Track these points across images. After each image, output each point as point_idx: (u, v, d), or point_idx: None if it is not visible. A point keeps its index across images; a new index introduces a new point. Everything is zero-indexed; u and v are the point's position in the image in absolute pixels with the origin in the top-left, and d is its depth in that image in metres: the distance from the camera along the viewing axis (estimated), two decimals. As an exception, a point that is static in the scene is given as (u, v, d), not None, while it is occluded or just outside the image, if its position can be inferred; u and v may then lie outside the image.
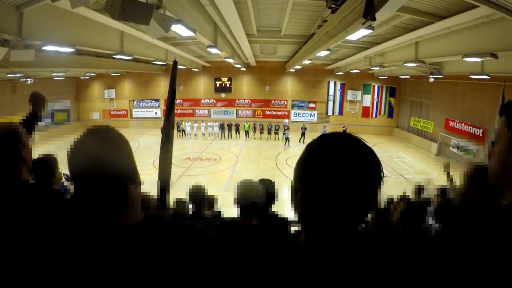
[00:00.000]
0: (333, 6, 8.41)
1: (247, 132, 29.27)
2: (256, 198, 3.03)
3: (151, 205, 3.45)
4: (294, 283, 0.99)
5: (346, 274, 0.98)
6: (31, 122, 2.83)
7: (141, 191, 1.40)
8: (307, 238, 1.06)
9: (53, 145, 22.24)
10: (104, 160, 1.23)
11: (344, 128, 27.69)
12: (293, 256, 1.07)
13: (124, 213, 1.30)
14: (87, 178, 1.25)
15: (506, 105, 1.26)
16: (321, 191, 0.97)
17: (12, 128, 1.75)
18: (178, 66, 21.42)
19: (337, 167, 0.95)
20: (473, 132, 20.88)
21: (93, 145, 1.26)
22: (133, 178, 1.34)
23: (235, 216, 3.18)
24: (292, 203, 1.08)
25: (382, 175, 0.99)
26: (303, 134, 27.36)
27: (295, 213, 1.08)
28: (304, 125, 28.55)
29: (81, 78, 31.61)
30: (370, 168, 0.98)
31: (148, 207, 3.42)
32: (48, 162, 3.19)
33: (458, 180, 3.66)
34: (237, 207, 3.03)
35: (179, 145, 24.57)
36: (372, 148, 1.01)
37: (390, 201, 5.89)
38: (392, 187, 9.76)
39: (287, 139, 26.23)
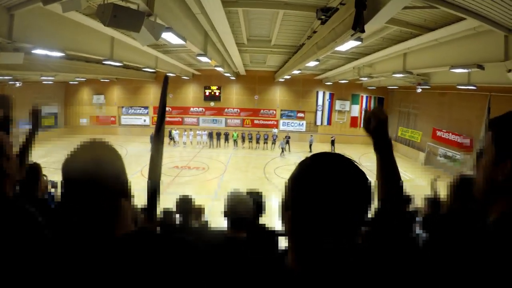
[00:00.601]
0: (322, 17, 8.51)
1: (235, 141, 29.23)
2: (245, 213, 3.03)
3: (138, 217, 3.41)
4: None
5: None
6: (5, 126, 2.71)
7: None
8: (295, 258, 1.05)
9: (41, 149, 21.95)
10: (97, 173, 1.25)
11: (333, 139, 27.76)
12: (280, 276, 1.06)
13: (115, 225, 1.30)
14: (80, 190, 1.25)
15: (492, 121, 1.28)
16: (312, 211, 0.96)
17: None
18: (168, 74, 21.33)
19: (329, 187, 0.95)
20: (460, 141, 21.15)
21: (88, 158, 1.28)
22: (124, 191, 1.35)
23: (223, 226, 3.17)
24: (281, 219, 1.07)
25: (372, 196, 0.99)
26: (287, 142, 27.43)
27: (284, 229, 1.07)
28: (287, 135, 28.72)
29: (70, 83, 31.36)
30: (361, 190, 0.98)
31: (136, 219, 3.37)
32: (32, 169, 3.13)
33: (443, 190, 3.69)
34: (227, 219, 3.03)
35: (167, 153, 24.43)
36: (361, 157, 1.03)
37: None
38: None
39: (282, 149, 26.08)
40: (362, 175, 0.99)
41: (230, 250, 2.73)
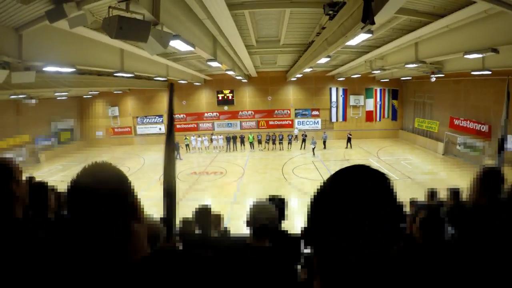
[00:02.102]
0: (330, 12, 8.39)
1: (251, 144, 29.24)
2: (268, 221, 2.97)
3: (160, 233, 3.34)
4: None
5: None
6: None
7: (148, 216, 1.38)
8: (322, 284, 0.95)
9: (59, 164, 22.37)
10: (102, 198, 1.20)
11: (349, 135, 27.52)
12: None
13: (128, 250, 1.25)
14: (85, 215, 1.20)
15: None
16: (335, 233, 0.87)
17: (3, 163, 1.69)
18: (180, 81, 21.62)
19: (353, 207, 0.86)
20: (478, 128, 20.72)
21: (90, 182, 1.23)
22: (134, 214, 1.30)
23: (243, 230, 3.12)
24: (304, 237, 0.98)
25: (403, 212, 0.90)
26: (303, 141, 27.86)
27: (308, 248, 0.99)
28: (304, 132, 28.98)
29: (84, 97, 31.84)
30: (390, 206, 0.89)
31: (157, 236, 3.30)
32: (36, 189, 3.03)
33: (466, 181, 3.59)
34: (249, 229, 2.96)
35: (184, 160, 24.55)
36: (378, 151, 0.93)
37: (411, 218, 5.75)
38: (400, 190, 9.65)
39: (312, 149, 25.74)
40: (388, 187, 0.90)
41: (253, 261, 2.68)
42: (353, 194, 0.86)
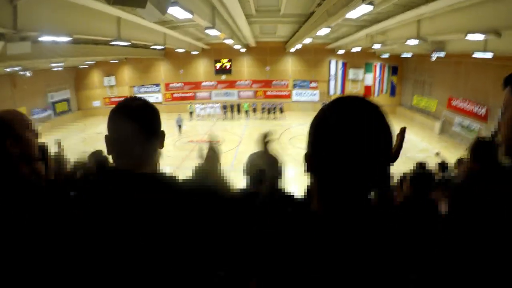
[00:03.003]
0: (333, -17, 8.26)
1: (247, 112, 29.53)
2: (264, 165, 3.01)
3: None
4: (306, 243, 1.02)
5: (357, 235, 1.00)
6: None
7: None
8: (319, 200, 1.06)
9: (56, 135, 22.31)
10: (144, 120, 1.48)
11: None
12: (305, 218, 1.08)
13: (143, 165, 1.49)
14: (124, 132, 1.45)
15: (509, 76, 1.32)
16: (333, 152, 0.96)
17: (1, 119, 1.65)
18: (177, 50, 21.33)
19: (351, 130, 0.94)
20: (476, 111, 20.67)
21: (138, 104, 1.53)
22: (161, 142, 1.58)
23: None
24: (305, 162, 1.07)
25: (392, 139, 0.99)
26: None
27: (307, 174, 1.08)
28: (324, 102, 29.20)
29: (80, 67, 31.39)
30: (384, 134, 0.97)
31: None
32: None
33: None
34: (247, 177, 3.03)
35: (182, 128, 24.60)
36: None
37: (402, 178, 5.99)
38: (397, 166, 9.73)
39: None
40: (382, 117, 0.98)
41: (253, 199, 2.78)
42: (353, 120, 0.95)
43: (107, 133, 1.48)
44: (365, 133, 0.94)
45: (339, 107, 1.00)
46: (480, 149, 2.94)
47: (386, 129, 0.97)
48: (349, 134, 0.93)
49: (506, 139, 1.26)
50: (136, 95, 1.58)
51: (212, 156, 1.84)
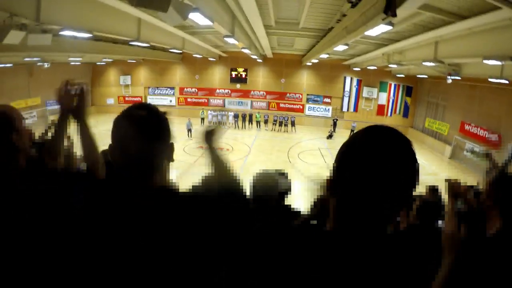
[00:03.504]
0: (353, 0, 8.31)
1: (258, 123, 29.45)
2: (265, 192, 2.99)
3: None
4: (317, 261, 1.05)
5: (366, 258, 1.02)
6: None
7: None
8: (335, 220, 1.10)
9: (68, 128, 22.48)
10: (147, 130, 1.43)
11: (354, 125, 27.66)
12: (319, 236, 1.12)
13: (154, 179, 1.45)
14: (130, 143, 1.39)
15: None
16: (359, 179, 1.00)
17: (3, 114, 1.69)
18: (195, 55, 21.39)
19: (378, 159, 0.98)
20: (488, 137, 20.45)
21: (143, 114, 1.47)
22: (169, 154, 1.52)
23: None
24: (329, 185, 1.11)
25: (417, 175, 1.01)
26: (334, 125, 28.71)
27: (329, 195, 1.13)
28: (336, 117, 30.14)
29: (97, 63, 31.83)
30: (409, 168, 1.00)
31: None
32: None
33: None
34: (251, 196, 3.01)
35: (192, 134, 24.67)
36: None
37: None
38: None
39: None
40: (411, 151, 1.02)
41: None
42: (381, 150, 0.99)
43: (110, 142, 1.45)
44: (391, 165, 0.97)
45: (370, 135, 1.04)
46: (500, 183, 2.65)
47: (412, 163, 1.01)
48: (376, 163, 0.97)
49: None
50: (145, 102, 1.59)
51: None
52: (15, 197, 1.50)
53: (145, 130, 1.41)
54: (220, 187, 1.66)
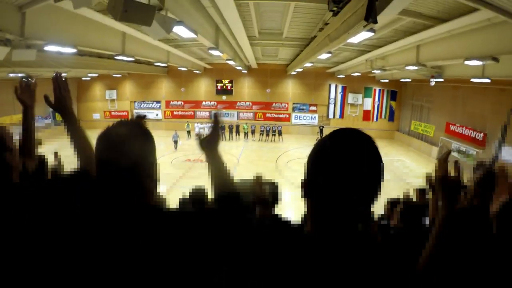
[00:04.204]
0: (334, 9, 8.42)
1: (246, 134, 29.50)
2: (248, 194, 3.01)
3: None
4: (298, 261, 1.10)
5: (346, 256, 1.09)
6: None
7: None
8: (312, 222, 1.15)
9: (54, 144, 22.25)
10: (125, 150, 1.34)
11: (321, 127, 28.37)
12: (299, 238, 1.17)
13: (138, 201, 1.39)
14: (107, 164, 1.35)
15: None
16: (329, 181, 1.06)
17: None
18: (180, 68, 21.38)
19: (345, 161, 1.04)
20: (474, 136, 20.82)
21: (120, 133, 1.38)
22: (151, 173, 1.43)
23: None
24: (301, 188, 1.17)
25: (383, 170, 1.09)
26: (321, 132, 28.76)
27: (303, 198, 1.18)
28: (322, 125, 30.15)
29: (83, 78, 31.61)
30: (373, 164, 1.07)
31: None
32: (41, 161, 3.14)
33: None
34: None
35: (179, 147, 24.55)
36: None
37: (394, 202, 5.94)
38: (393, 190, 9.81)
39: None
40: (376, 151, 1.09)
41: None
42: (347, 152, 1.05)
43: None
44: (357, 165, 1.04)
45: (336, 139, 1.10)
46: (486, 182, 2.73)
47: (377, 161, 1.08)
48: (343, 165, 1.04)
49: None
50: (128, 119, 1.51)
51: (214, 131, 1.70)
52: (15, 213, 1.51)
53: (123, 148, 1.34)
54: (219, 192, 1.63)
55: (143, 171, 1.40)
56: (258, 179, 2.51)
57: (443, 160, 1.49)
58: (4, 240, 1.41)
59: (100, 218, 1.34)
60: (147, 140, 1.44)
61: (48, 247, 1.35)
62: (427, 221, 3.85)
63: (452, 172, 1.43)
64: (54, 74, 2.01)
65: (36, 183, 1.89)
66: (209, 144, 1.67)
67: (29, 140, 2.10)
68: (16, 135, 1.92)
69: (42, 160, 3.21)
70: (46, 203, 1.54)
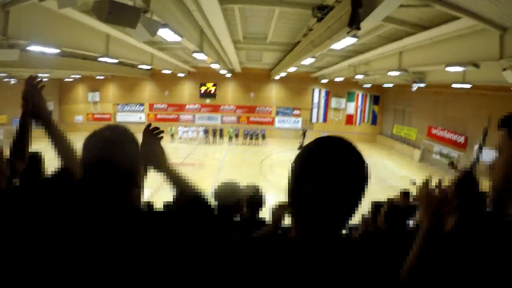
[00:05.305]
0: (319, 15, 8.53)
1: (230, 137, 29.49)
2: (234, 198, 3.05)
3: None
4: (282, 267, 1.11)
5: (329, 260, 1.10)
6: None
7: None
8: (296, 228, 1.16)
9: (36, 147, 21.90)
10: (110, 156, 1.35)
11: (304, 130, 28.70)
12: (282, 243, 1.19)
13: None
14: (92, 170, 1.35)
15: (506, 118, 1.31)
16: (311, 187, 1.07)
17: None
18: (163, 71, 21.23)
19: (327, 167, 1.06)
20: (455, 139, 21.29)
21: (108, 138, 1.39)
22: (135, 180, 1.44)
23: None
24: (286, 195, 1.18)
25: (367, 178, 1.10)
26: (304, 136, 28.47)
27: (288, 204, 1.19)
28: (305, 129, 29.86)
29: (65, 80, 31.21)
30: (358, 171, 1.09)
31: None
32: (32, 159, 3.08)
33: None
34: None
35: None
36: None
37: (378, 205, 6.00)
38: (375, 193, 9.90)
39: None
40: (359, 157, 1.11)
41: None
42: (335, 159, 1.08)
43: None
44: (342, 172, 1.06)
45: (319, 147, 1.12)
46: (464, 185, 2.84)
47: (360, 168, 1.09)
48: (328, 172, 1.06)
49: (496, 184, 1.32)
50: (114, 123, 1.53)
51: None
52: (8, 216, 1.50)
53: (117, 150, 1.37)
54: (185, 200, 1.63)
55: (130, 175, 1.41)
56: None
57: (424, 187, 1.50)
58: None
59: (86, 219, 1.35)
60: (134, 145, 1.47)
61: (36, 248, 1.35)
62: (411, 223, 3.91)
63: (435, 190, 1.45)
64: (28, 77, 1.97)
65: (22, 187, 1.87)
66: (153, 157, 1.71)
67: (24, 142, 2.07)
68: (0, 136, 1.90)
69: (34, 158, 3.14)
70: (33, 205, 1.54)
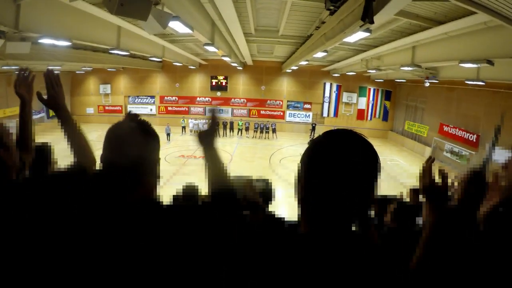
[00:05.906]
0: (331, 7, 8.41)
1: (240, 130, 29.50)
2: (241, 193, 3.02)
3: None
4: (293, 262, 1.09)
5: (340, 255, 1.07)
6: None
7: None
8: (307, 222, 1.15)
9: (47, 139, 22.15)
10: (135, 145, 1.42)
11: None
12: (293, 238, 1.17)
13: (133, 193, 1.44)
14: (117, 158, 1.41)
15: None
16: (322, 180, 1.06)
17: None
18: (175, 63, 21.27)
19: (338, 160, 1.04)
20: (467, 137, 20.97)
21: (128, 129, 1.47)
22: (152, 170, 1.51)
23: None
24: (295, 189, 1.17)
25: (379, 170, 1.08)
26: (313, 130, 28.97)
27: (296, 199, 1.17)
28: (314, 122, 30.13)
29: (77, 72, 31.42)
30: (369, 163, 1.07)
31: None
32: (40, 151, 3.07)
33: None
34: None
35: (173, 143, 24.51)
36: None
37: (383, 199, 5.90)
38: (385, 191, 9.82)
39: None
40: (371, 149, 1.08)
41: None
42: (341, 153, 1.06)
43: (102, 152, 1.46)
44: (353, 165, 1.04)
45: (329, 140, 1.10)
46: (473, 183, 2.80)
47: (372, 161, 1.07)
48: (339, 165, 1.04)
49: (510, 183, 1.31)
50: (133, 113, 1.58)
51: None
52: (12, 210, 1.48)
53: (130, 145, 1.42)
54: (214, 187, 1.63)
55: (147, 167, 1.47)
56: (248, 183, 2.50)
57: (427, 169, 1.49)
58: (1, 238, 1.40)
59: (101, 214, 1.37)
60: (154, 138, 1.53)
61: (47, 243, 1.35)
62: (421, 221, 3.84)
63: (438, 179, 1.44)
64: (46, 70, 1.96)
65: (32, 179, 1.86)
66: (206, 139, 1.67)
67: (26, 134, 2.07)
68: (12, 130, 1.89)
69: (42, 151, 3.14)
70: (43, 199, 1.53)
